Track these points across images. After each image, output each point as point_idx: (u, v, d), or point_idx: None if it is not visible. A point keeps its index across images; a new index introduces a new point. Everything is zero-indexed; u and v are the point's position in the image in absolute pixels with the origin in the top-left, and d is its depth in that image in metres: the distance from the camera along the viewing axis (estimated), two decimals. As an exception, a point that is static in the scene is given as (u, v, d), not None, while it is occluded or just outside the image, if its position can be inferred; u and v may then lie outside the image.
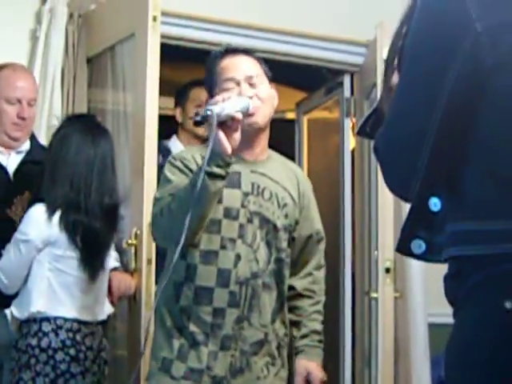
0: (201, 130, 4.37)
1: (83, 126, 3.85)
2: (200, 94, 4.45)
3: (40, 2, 4.77)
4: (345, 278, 5.57)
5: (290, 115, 6.67)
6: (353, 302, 5.54)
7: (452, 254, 1.92)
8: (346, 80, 5.65)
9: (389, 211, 4.71)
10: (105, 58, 4.78)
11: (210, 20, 5.02)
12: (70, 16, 4.75)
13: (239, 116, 2.92)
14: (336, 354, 5.40)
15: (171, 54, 4.70)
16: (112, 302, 4.02)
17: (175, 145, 4.65)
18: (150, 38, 4.08)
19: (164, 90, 4.33)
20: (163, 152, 4.38)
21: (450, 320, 3.87)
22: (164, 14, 4.27)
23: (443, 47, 1.89)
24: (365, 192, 5.39)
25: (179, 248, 2.91)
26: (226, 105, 2.90)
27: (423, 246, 1.98)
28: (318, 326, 3.39)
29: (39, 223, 3.55)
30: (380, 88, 4.50)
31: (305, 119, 6.47)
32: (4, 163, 3.92)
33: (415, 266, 5.09)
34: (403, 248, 2.01)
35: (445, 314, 4.30)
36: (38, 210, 3.53)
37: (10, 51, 4.58)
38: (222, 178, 2.95)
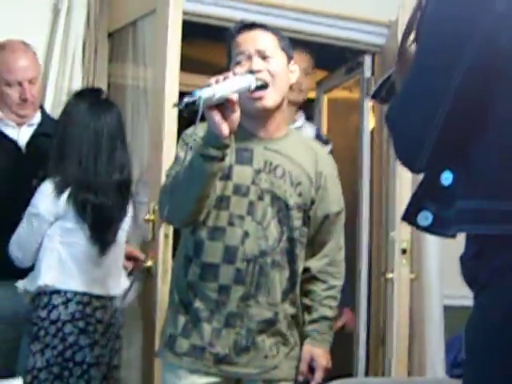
0: (295, 96, 4.40)
1: (89, 102, 3.86)
2: None
3: None
4: (362, 258, 5.52)
5: (311, 94, 6.31)
6: (369, 282, 5.51)
7: (468, 231, 1.91)
8: (367, 60, 5.57)
9: (406, 192, 4.64)
10: (126, 32, 4.75)
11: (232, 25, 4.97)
12: None
13: (233, 98, 2.88)
14: (350, 336, 5.38)
15: (194, 31, 4.68)
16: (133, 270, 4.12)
17: None
18: (172, 15, 4.06)
19: (185, 67, 4.30)
20: None
21: (466, 302, 3.69)
22: None
23: (461, 26, 1.84)
24: (383, 172, 5.36)
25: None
26: (220, 86, 2.85)
27: (430, 218, 1.96)
28: (329, 312, 3.36)
29: (49, 198, 3.59)
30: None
31: (325, 98, 6.41)
32: (15, 137, 3.97)
33: (431, 248, 5.11)
34: (409, 218, 1.99)
35: (460, 296, 4.13)
36: (48, 187, 3.56)
37: (32, 24, 4.64)
38: (218, 159, 2.93)
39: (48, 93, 4.59)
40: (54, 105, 4.44)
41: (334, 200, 3.36)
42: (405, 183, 4.71)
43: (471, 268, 1.92)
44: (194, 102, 2.72)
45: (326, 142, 4.68)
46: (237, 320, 3.12)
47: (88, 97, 3.95)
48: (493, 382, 1.82)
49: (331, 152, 4.49)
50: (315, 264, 3.35)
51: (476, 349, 1.88)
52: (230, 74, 2.97)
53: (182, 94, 3.90)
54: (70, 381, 3.66)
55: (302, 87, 4.54)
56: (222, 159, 2.93)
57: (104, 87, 4.62)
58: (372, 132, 5.59)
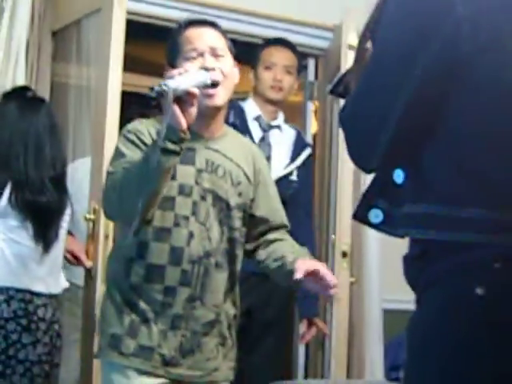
0: (274, 94, 4.36)
1: (17, 102, 3.83)
2: (270, 55, 4.43)
3: None
4: None
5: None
6: None
7: (415, 236, 1.93)
8: (311, 63, 5.64)
9: (347, 196, 4.71)
10: (70, 31, 4.72)
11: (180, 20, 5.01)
12: None
13: (196, 91, 2.87)
14: (289, 341, 5.34)
15: (138, 30, 4.69)
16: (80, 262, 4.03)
17: (250, 106, 4.52)
18: (116, 14, 4.05)
19: (129, 67, 4.32)
20: (237, 110, 4.36)
21: (405, 306, 3.46)
22: None
23: (421, 31, 1.88)
24: (324, 176, 5.36)
25: (136, 224, 2.93)
26: (182, 79, 2.86)
27: (380, 216, 1.99)
28: (305, 249, 3.33)
29: None
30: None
31: None
32: None
33: (371, 252, 5.14)
34: (360, 215, 2.03)
35: (399, 300, 4.21)
36: None
37: None
38: (176, 153, 2.90)
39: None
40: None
41: (275, 195, 3.39)
42: (345, 187, 4.73)
43: (414, 269, 1.95)
44: (162, 92, 2.74)
45: (305, 146, 4.64)
46: (182, 322, 3.12)
47: (15, 97, 3.93)
48: (430, 378, 1.85)
49: (309, 156, 4.54)
50: (272, 235, 3.33)
51: (414, 349, 1.92)
52: (187, 68, 2.96)
53: (124, 94, 4.11)
54: (13, 378, 3.60)
55: (282, 85, 4.43)
56: (179, 153, 2.91)
57: (47, 86, 4.63)
58: (314, 136, 5.65)
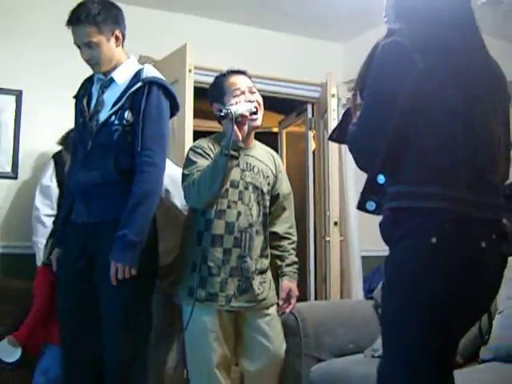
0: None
1: None
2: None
3: None
4: (309, 228, 5.94)
5: (275, 129, 6.97)
6: (315, 242, 5.88)
7: (394, 206, 2.07)
8: (309, 107, 6.06)
9: (335, 188, 5.22)
10: None
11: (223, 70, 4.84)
12: None
13: (247, 114, 3.03)
14: (304, 276, 5.65)
15: (202, 92, 4.50)
16: None
17: None
18: (187, 83, 4.38)
19: (196, 115, 4.48)
20: None
21: (374, 254, 4.65)
22: (196, 67, 4.54)
23: (396, 80, 2.03)
24: (321, 177, 5.69)
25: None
26: (238, 107, 3.01)
27: (374, 205, 2.16)
28: (295, 259, 3.48)
29: None
30: (330, 113, 5.09)
31: (284, 132, 6.83)
32: None
33: (352, 221, 5.54)
34: (362, 207, 2.19)
35: (371, 250, 5.20)
36: None
37: None
38: (236, 158, 2.99)
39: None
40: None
41: (286, 185, 3.51)
42: (334, 182, 5.23)
43: (388, 230, 2.11)
44: (228, 113, 2.92)
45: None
46: (237, 272, 3.21)
47: None
48: (400, 295, 2.03)
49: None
50: (280, 228, 3.48)
51: (388, 279, 2.10)
52: (240, 100, 3.17)
53: (194, 133, 4.31)
54: None
55: None
56: (238, 157, 3.00)
57: None
58: (314, 152, 6.03)
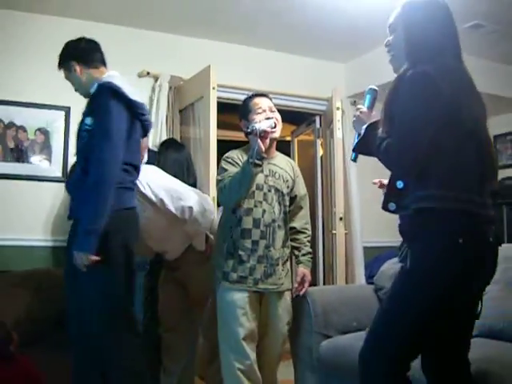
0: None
1: (171, 145, 3.96)
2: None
3: (153, 81, 5.00)
4: (318, 222, 5.86)
5: (288, 138, 6.85)
6: (323, 235, 5.82)
7: (421, 206, 2.08)
8: (317, 118, 6.02)
9: (340, 188, 5.13)
10: (189, 109, 4.85)
11: (242, 88, 5.13)
12: (170, 88, 4.95)
13: (268, 130, 3.14)
14: (314, 264, 5.40)
15: (223, 106, 4.87)
16: None
17: None
18: (211, 99, 4.32)
19: (219, 126, 4.38)
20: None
21: (373, 245, 5.29)
22: (219, 85, 4.47)
23: (428, 103, 2.03)
24: (328, 178, 5.64)
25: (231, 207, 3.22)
26: (261, 124, 3.10)
27: (394, 206, 2.19)
28: (310, 250, 3.51)
29: None
30: (335, 123, 5.06)
31: (295, 140, 6.76)
32: None
33: (355, 216, 5.60)
34: (384, 207, 2.22)
35: (371, 241, 5.55)
36: None
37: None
38: (260, 166, 3.11)
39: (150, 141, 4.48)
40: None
41: (302, 188, 3.55)
42: (339, 183, 5.12)
43: (412, 231, 2.11)
44: (253, 129, 3.02)
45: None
46: (263, 259, 3.25)
47: (169, 143, 4.00)
48: (422, 282, 2.03)
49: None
50: (297, 224, 3.50)
51: (420, 270, 2.06)
52: (262, 118, 3.25)
53: (218, 142, 4.24)
54: None
55: None
56: (262, 165, 3.12)
57: (178, 140, 4.67)
58: (321, 157, 5.97)
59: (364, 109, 2.33)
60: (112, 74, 3.08)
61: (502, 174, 6.27)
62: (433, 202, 2.03)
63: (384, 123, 2.14)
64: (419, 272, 2.03)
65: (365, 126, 2.23)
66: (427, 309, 2.04)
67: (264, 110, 3.30)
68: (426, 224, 2.04)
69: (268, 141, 3.14)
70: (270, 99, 3.42)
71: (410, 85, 2.03)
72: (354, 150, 2.32)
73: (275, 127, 3.25)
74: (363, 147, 2.24)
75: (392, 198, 2.17)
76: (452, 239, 1.99)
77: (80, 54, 3.07)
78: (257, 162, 3.04)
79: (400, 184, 2.14)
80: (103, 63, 3.12)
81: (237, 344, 3.18)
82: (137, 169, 3.05)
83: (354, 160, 2.37)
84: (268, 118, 3.26)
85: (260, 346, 3.33)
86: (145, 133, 3.13)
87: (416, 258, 2.03)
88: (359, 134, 2.27)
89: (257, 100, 3.37)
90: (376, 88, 2.41)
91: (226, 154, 3.38)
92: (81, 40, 3.13)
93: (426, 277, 2.01)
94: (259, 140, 3.02)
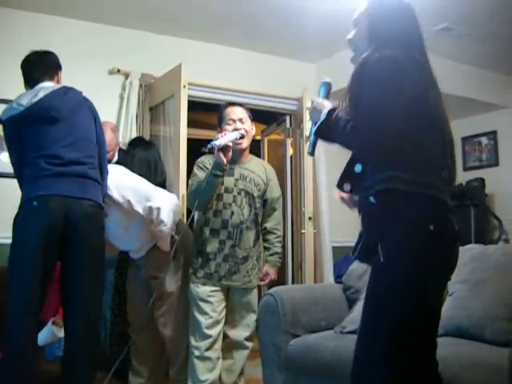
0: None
1: (140, 143, 3.90)
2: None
3: (124, 78, 4.98)
4: (287, 222, 5.78)
5: (258, 137, 6.69)
6: (292, 234, 5.83)
7: (384, 187, 2.02)
8: (287, 118, 6.02)
9: (309, 187, 5.18)
10: (159, 107, 4.87)
11: (213, 86, 5.28)
12: (140, 86, 4.97)
13: (230, 145, 3.21)
14: (283, 263, 5.02)
15: (194, 105, 4.95)
16: None
17: None
18: (182, 97, 4.33)
19: (190, 125, 4.44)
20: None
21: (341, 245, 5.33)
22: (190, 84, 4.53)
23: (396, 84, 1.99)
24: (298, 178, 5.63)
25: (194, 210, 3.29)
26: (223, 139, 3.18)
27: (349, 187, 2.19)
28: (279, 250, 3.63)
29: None
30: (305, 123, 5.05)
31: (266, 140, 6.72)
32: None
33: (324, 216, 5.58)
34: (340, 186, 2.22)
35: (339, 241, 5.53)
36: None
37: (108, 107, 4.74)
38: (221, 176, 3.24)
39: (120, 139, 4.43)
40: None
41: (276, 191, 3.64)
42: (309, 183, 5.17)
43: (381, 213, 2.05)
44: (212, 147, 3.10)
45: None
46: (229, 258, 3.39)
47: (138, 141, 3.95)
48: (396, 274, 1.98)
49: None
50: (269, 224, 3.61)
51: (390, 257, 2.00)
52: (226, 131, 3.32)
53: (188, 140, 4.28)
54: None
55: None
56: (223, 176, 3.26)
57: (148, 137, 4.72)
58: (291, 157, 5.97)
59: (319, 99, 2.28)
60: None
61: (470, 175, 6.30)
62: (399, 184, 1.99)
63: (349, 106, 2.10)
64: (394, 265, 1.98)
65: (326, 111, 2.17)
66: (411, 303, 1.98)
67: (234, 121, 3.38)
68: (393, 211, 2.00)
69: (230, 154, 3.21)
70: (246, 109, 3.50)
71: (377, 66, 2.00)
72: (314, 134, 2.24)
73: (243, 138, 3.36)
74: (325, 132, 2.17)
75: (347, 179, 2.17)
76: (422, 226, 1.96)
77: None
78: (218, 173, 3.18)
79: (358, 168, 2.12)
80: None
81: (202, 332, 3.35)
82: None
83: (312, 153, 2.30)
84: (236, 129, 3.33)
85: (227, 337, 3.52)
86: None
87: (388, 251, 1.99)
88: (315, 123, 2.22)
89: (230, 110, 3.45)
90: (330, 81, 2.37)
91: (198, 159, 3.48)
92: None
93: (401, 269, 1.97)
94: (221, 154, 3.12)
